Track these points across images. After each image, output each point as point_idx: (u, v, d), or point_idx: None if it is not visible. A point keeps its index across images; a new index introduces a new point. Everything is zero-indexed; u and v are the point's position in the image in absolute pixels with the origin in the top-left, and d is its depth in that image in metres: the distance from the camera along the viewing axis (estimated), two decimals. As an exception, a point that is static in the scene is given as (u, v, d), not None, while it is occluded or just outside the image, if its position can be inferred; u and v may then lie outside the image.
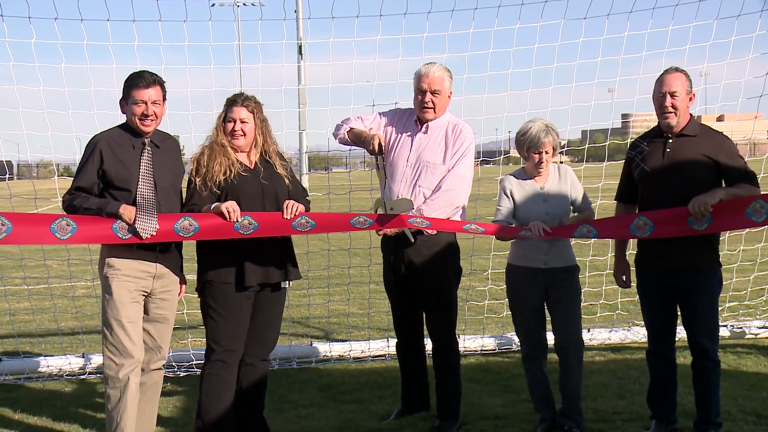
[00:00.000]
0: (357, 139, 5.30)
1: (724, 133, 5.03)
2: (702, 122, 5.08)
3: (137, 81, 4.68)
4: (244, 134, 4.85)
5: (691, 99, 4.90)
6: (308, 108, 8.74)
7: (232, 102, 4.87)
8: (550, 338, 5.24)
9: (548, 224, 4.96)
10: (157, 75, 4.76)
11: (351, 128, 5.35)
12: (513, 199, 5.13)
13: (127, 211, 4.54)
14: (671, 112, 4.82)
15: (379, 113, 5.49)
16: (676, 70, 4.90)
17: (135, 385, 4.66)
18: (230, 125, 4.84)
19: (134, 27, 6.76)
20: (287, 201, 4.79)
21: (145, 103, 4.66)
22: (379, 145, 5.11)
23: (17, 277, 9.26)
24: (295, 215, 4.74)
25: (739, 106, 7.73)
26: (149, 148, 4.74)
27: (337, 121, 5.50)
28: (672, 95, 4.80)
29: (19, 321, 8.29)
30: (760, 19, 7.08)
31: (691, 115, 4.94)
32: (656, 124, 5.06)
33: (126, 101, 4.72)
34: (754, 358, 6.98)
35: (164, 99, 4.79)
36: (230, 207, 4.62)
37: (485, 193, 7.80)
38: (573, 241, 5.26)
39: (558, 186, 5.12)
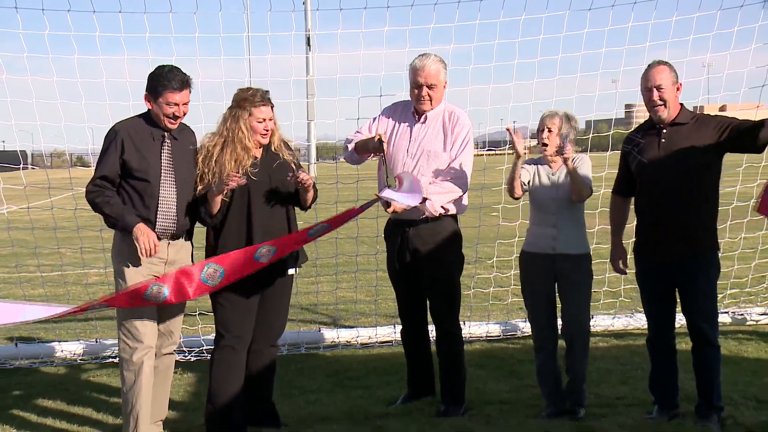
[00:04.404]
0: (363, 148, 5.25)
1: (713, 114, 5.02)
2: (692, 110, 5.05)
3: (172, 83, 4.64)
4: (273, 131, 4.87)
5: (678, 89, 4.89)
6: (317, 98, 8.72)
7: (260, 102, 4.78)
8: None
9: (553, 210, 5.03)
10: (187, 75, 4.71)
11: (355, 143, 5.31)
12: (531, 176, 5.16)
13: (142, 235, 4.53)
14: (660, 105, 4.82)
15: (373, 119, 5.44)
16: (659, 63, 4.89)
17: (149, 368, 4.69)
18: (261, 125, 4.78)
19: (145, 19, 6.78)
20: (300, 173, 4.78)
21: (177, 105, 4.66)
22: (380, 141, 5.02)
23: (32, 265, 9.29)
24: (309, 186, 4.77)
25: (741, 96, 7.67)
26: (168, 141, 4.74)
27: (343, 112, 5.49)
28: (658, 89, 4.80)
29: (33, 307, 8.30)
30: (762, 9, 7.03)
31: (681, 104, 4.92)
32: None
33: (154, 97, 4.67)
34: (755, 344, 6.97)
35: None
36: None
37: (490, 182, 7.78)
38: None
39: (564, 171, 5.09)
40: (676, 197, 4.78)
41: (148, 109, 4.75)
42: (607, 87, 7.71)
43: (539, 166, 5.17)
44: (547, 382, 5.23)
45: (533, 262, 5.16)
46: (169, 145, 4.74)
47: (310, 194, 4.93)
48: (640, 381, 5.69)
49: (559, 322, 5.23)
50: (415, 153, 5.19)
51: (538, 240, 5.13)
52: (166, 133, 4.74)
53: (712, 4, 7.13)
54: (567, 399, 5.20)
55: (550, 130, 5.05)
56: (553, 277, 5.09)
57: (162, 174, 4.68)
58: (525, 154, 5.05)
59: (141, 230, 4.55)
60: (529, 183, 5.14)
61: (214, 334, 4.98)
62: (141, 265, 4.65)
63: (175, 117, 4.71)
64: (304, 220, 5.22)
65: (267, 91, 4.87)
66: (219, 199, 4.69)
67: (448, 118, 5.24)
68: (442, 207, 5.13)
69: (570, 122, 5.08)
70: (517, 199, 5.27)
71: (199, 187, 4.77)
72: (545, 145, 5.06)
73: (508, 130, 5.00)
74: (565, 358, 5.19)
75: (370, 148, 5.17)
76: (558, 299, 5.18)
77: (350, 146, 5.35)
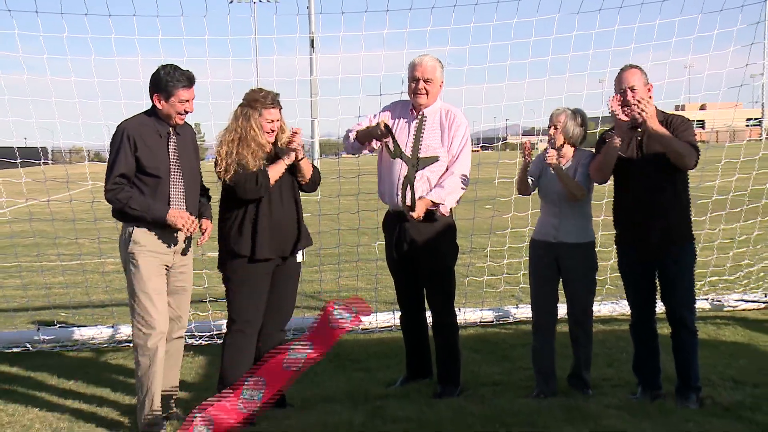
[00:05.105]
0: (365, 136, 5.23)
1: (684, 116, 5.03)
2: (681, 111, 5.05)
3: (183, 81, 4.63)
4: (283, 129, 4.88)
5: (649, 90, 4.91)
6: (320, 97, 8.69)
7: (270, 104, 4.79)
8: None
9: (556, 201, 5.09)
10: (191, 72, 4.71)
11: (356, 132, 5.28)
12: (540, 170, 5.19)
13: (178, 218, 4.58)
14: (635, 104, 4.80)
15: (373, 114, 5.42)
16: (631, 66, 4.91)
17: (162, 353, 4.69)
18: (269, 125, 4.80)
19: (158, 22, 6.79)
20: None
21: (188, 101, 4.67)
22: (386, 126, 5.03)
23: (52, 254, 9.30)
24: None
25: (720, 96, 7.68)
26: (174, 137, 4.73)
27: (345, 110, 5.48)
28: (632, 89, 4.81)
29: (54, 294, 8.33)
30: (741, 14, 7.07)
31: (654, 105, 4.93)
32: None
33: (166, 96, 4.64)
34: (732, 329, 6.99)
35: None
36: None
37: (484, 177, 7.77)
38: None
39: (572, 168, 5.13)
40: (655, 194, 4.81)
41: (152, 107, 4.72)
42: (594, 87, 7.69)
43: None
44: (540, 363, 5.25)
45: (538, 249, 5.22)
46: (175, 140, 4.73)
47: (306, 169, 4.93)
48: (625, 364, 5.70)
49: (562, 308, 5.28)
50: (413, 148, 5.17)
51: (542, 228, 5.20)
52: (171, 129, 4.72)
53: (693, 8, 7.14)
54: (574, 384, 5.27)
55: (555, 127, 5.08)
56: (556, 264, 5.13)
57: (171, 169, 4.67)
58: (529, 159, 5.09)
59: (174, 216, 4.57)
60: (539, 177, 5.19)
61: (223, 320, 4.98)
62: (153, 253, 4.65)
63: (186, 113, 4.71)
64: (310, 212, 5.20)
65: (277, 95, 4.87)
66: (284, 168, 4.77)
67: (445, 116, 5.25)
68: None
69: (575, 119, 5.09)
70: (527, 195, 5.33)
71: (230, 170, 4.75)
72: (551, 140, 5.10)
73: (523, 144, 5.04)
74: (571, 344, 5.26)
75: (374, 136, 5.15)
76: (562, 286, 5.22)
77: (351, 135, 5.31)
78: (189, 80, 4.67)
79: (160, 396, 4.73)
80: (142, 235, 4.64)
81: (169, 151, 4.69)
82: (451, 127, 5.21)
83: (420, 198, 5.01)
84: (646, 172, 4.82)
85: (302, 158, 4.89)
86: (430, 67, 5.18)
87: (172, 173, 4.67)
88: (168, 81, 4.62)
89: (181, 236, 4.76)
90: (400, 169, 5.12)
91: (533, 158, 5.13)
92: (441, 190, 5.10)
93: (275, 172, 4.78)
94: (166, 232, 4.67)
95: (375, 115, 5.39)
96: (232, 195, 4.79)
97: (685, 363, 4.95)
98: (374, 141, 5.27)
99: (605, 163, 4.90)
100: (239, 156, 4.73)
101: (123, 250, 4.74)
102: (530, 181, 5.19)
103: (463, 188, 5.20)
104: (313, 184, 5.07)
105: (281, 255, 4.84)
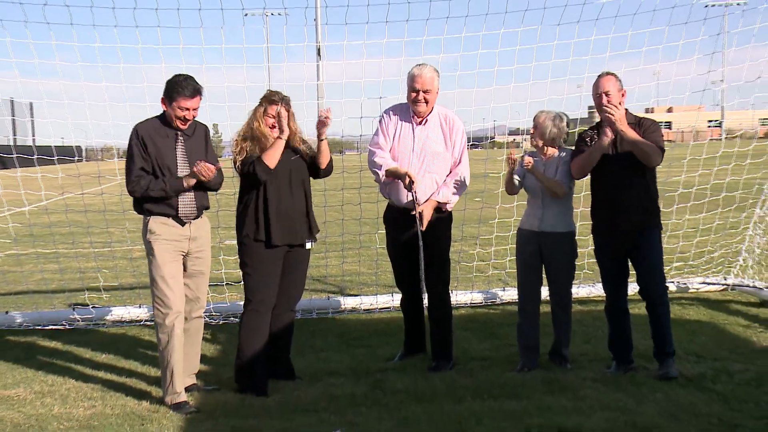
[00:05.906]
0: (393, 174, 5.17)
1: (653, 119, 5.02)
2: (650, 113, 5.06)
3: (185, 90, 4.58)
4: (293, 131, 4.86)
5: (623, 95, 4.91)
6: (325, 100, 8.66)
7: (274, 102, 4.79)
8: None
9: (540, 194, 5.11)
10: (199, 85, 4.66)
11: (385, 169, 5.18)
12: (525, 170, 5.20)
13: (191, 178, 4.59)
14: (605, 108, 4.79)
15: (381, 130, 5.31)
16: (607, 73, 4.92)
17: (180, 330, 4.68)
18: (271, 120, 4.79)
19: (180, 33, 6.78)
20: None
21: (188, 110, 4.62)
22: (411, 182, 5.01)
23: (85, 242, 9.29)
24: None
25: (685, 99, 7.71)
26: (182, 138, 4.70)
27: (348, 111, 5.48)
28: (606, 94, 4.82)
29: (87, 278, 8.31)
30: (703, 26, 7.12)
31: (626, 109, 4.93)
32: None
33: (169, 102, 4.62)
34: (695, 309, 6.99)
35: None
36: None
37: (474, 172, 7.72)
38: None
39: (554, 165, 5.12)
40: (626, 190, 4.82)
41: (164, 111, 4.70)
42: (573, 91, 7.69)
43: (534, 158, 5.17)
44: (525, 340, 5.25)
45: (523, 238, 5.22)
46: (183, 141, 4.71)
47: (326, 150, 4.90)
48: (601, 341, 5.69)
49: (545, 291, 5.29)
50: (420, 153, 5.18)
51: (528, 219, 5.21)
52: (179, 131, 4.70)
53: (661, 21, 7.15)
54: (555, 359, 5.27)
55: (536, 128, 5.10)
56: (538, 250, 5.12)
57: (178, 167, 4.65)
58: (514, 167, 5.13)
59: (188, 180, 4.60)
60: (524, 177, 5.19)
61: (239, 301, 4.97)
62: (168, 241, 4.64)
63: (185, 120, 4.66)
64: (317, 204, 5.18)
65: (286, 97, 4.85)
66: (281, 144, 4.70)
67: (445, 121, 5.25)
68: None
69: (554, 121, 5.08)
70: (514, 194, 5.36)
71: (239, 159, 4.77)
72: (532, 138, 5.14)
73: (509, 156, 5.07)
74: (552, 324, 5.26)
75: (401, 181, 5.10)
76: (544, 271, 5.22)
77: (380, 172, 5.20)
78: (193, 91, 4.61)
79: (182, 370, 4.72)
80: (157, 226, 4.64)
81: (176, 150, 4.67)
82: (452, 132, 5.23)
83: (427, 200, 5.08)
84: (619, 168, 4.83)
85: (323, 139, 4.87)
86: (429, 78, 5.14)
87: (179, 171, 4.65)
88: (174, 88, 4.60)
89: (194, 225, 4.74)
90: (410, 171, 5.12)
91: (516, 166, 5.13)
92: (446, 189, 5.16)
93: (275, 150, 4.71)
94: (181, 221, 4.66)
95: (381, 121, 5.35)
96: (246, 183, 4.80)
97: (660, 332, 5.01)
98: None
99: (590, 159, 4.89)
100: (248, 145, 4.76)
101: (143, 239, 4.74)
102: (516, 181, 5.19)
103: (464, 188, 5.26)
104: (330, 168, 5.04)
105: (289, 243, 4.81)
